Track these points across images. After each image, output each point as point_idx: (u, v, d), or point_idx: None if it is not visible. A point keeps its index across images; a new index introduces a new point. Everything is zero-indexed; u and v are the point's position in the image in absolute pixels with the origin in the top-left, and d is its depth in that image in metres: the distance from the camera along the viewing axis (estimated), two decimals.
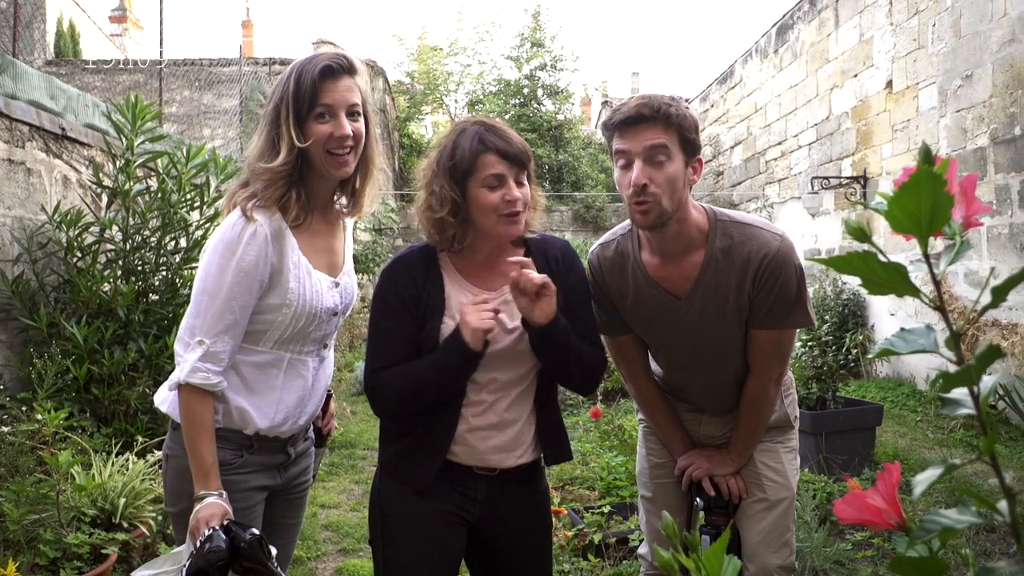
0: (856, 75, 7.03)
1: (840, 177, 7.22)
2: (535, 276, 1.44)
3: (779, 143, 8.69)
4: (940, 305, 0.51)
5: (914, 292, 0.51)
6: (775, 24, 8.76)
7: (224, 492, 1.41)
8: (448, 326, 1.51)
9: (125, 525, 2.44)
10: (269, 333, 1.49)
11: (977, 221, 0.60)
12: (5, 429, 2.44)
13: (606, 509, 3.09)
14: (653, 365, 1.87)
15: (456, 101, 15.99)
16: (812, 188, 7.49)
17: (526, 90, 14.70)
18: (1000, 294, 0.50)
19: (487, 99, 14.98)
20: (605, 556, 2.77)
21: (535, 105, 14.58)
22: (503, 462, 1.56)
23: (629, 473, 3.36)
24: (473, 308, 1.47)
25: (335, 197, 1.60)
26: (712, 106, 11.05)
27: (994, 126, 5.18)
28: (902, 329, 0.55)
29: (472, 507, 1.57)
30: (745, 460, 1.77)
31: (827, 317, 6.07)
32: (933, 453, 4.29)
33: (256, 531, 1.34)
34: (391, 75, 13.79)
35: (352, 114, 1.47)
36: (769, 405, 1.72)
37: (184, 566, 1.31)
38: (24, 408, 2.63)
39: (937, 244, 5.75)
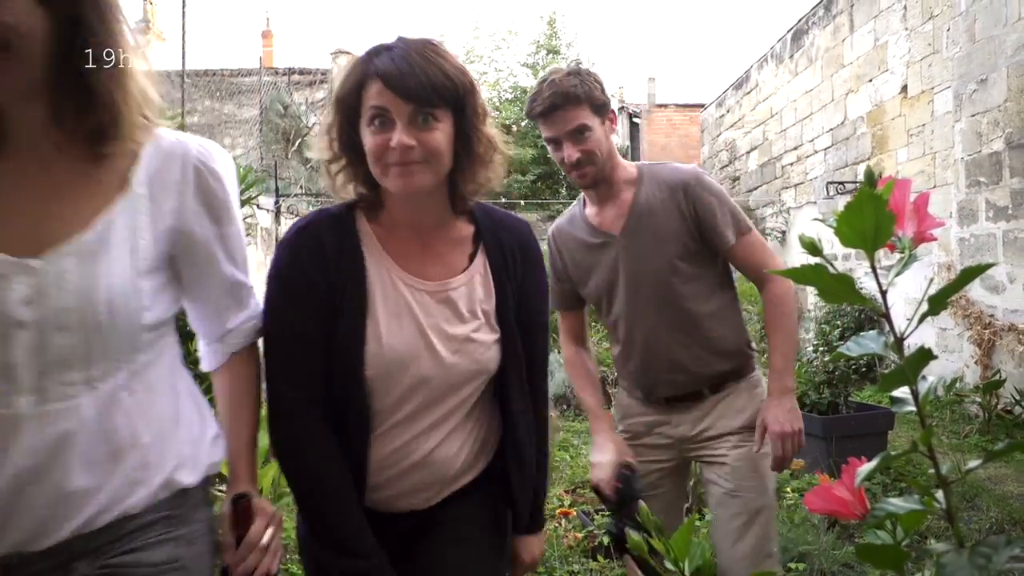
0: (871, 80, 7.03)
1: (856, 182, 7.21)
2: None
3: (795, 148, 8.69)
4: (885, 312, 0.57)
5: (861, 300, 0.57)
6: (790, 29, 8.77)
7: None
8: (375, 331, 1.15)
9: None
10: None
11: (930, 236, 0.65)
12: None
13: None
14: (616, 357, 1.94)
15: None
16: (828, 193, 7.49)
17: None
18: (937, 303, 0.55)
19: (503, 106, 15.09)
20: (614, 557, 2.82)
21: None
22: (430, 501, 1.24)
23: None
24: None
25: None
26: (728, 111, 11.06)
27: (1009, 130, 5.17)
28: (856, 334, 0.61)
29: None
30: (790, 388, 1.73)
31: (839, 322, 6.07)
32: (947, 458, 4.28)
33: None
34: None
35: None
36: (791, 301, 1.80)
37: None
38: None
39: (953, 250, 5.73)
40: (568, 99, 1.71)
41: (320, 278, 1.15)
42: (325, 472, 1.15)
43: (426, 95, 1.09)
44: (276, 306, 1.16)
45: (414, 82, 1.09)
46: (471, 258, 1.25)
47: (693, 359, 1.80)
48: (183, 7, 7.42)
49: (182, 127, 4.15)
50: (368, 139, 1.12)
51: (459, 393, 1.22)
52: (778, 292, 1.79)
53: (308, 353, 1.15)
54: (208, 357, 1.17)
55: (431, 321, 1.19)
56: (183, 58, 7.78)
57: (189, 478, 1.05)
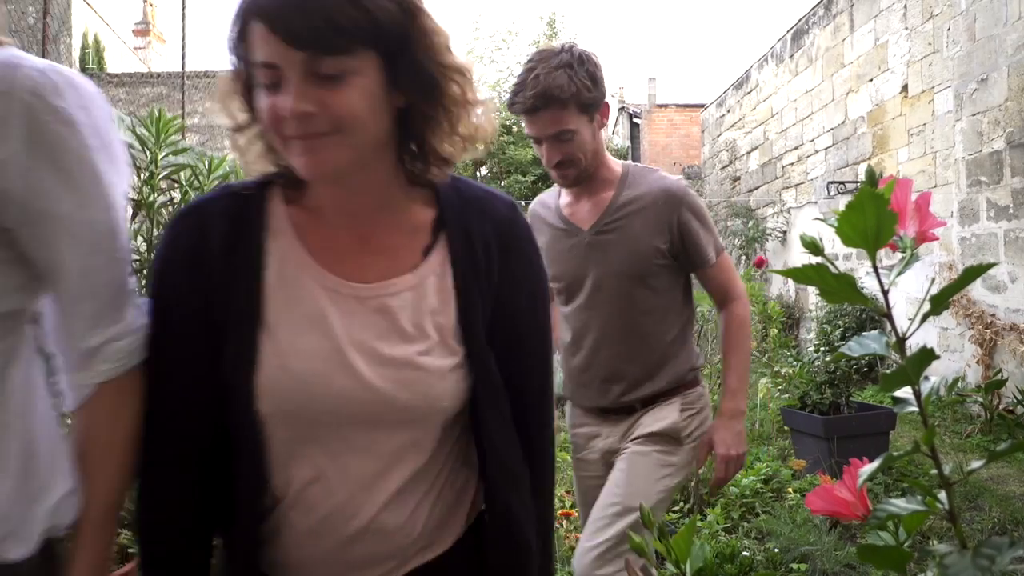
0: (872, 79, 7.03)
1: (857, 182, 7.21)
2: None
3: (795, 148, 8.69)
4: (887, 312, 0.57)
5: (863, 300, 0.57)
6: (790, 29, 8.76)
7: None
8: (274, 351, 0.84)
9: None
10: None
11: (932, 235, 0.65)
12: None
13: None
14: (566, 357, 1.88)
15: None
16: (828, 193, 7.48)
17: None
18: (939, 303, 0.55)
19: (503, 107, 15.09)
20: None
21: None
22: None
23: None
24: None
25: None
26: (728, 111, 11.05)
27: (1010, 129, 5.17)
28: (858, 334, 0.60)
29: None
30: (742, 410, 1.77)
31: (840, 322, 6.07)
32: (949, 458, 4.28)
33: None
34: None
35: None
36: (750, 324, 1.81)
37: None
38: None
39: (953, 250, 5.73)
40: (551, 102, 1.59)
41: (197, 283, 0.85)
42: (172, 551, 0.87)
43: (323, 36, 0.75)
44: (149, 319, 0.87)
45: (302, 20, 0.75)
46: (426, 253, 0.91)
47: (635, 374, 1.76)
48: (183, 9, 7.43)
49: (182, 128, 4.17)
50: (261, 103, 0.81)
51: (400, 437, 0.88)
52: (740, 314, 1.79)
53: (178, 385, 0.86)
54: (70, 391, 0.86)
55: (357, 337, 0.85)
56: (183, 60, 7.79)
57: (15, 551, 0.76)
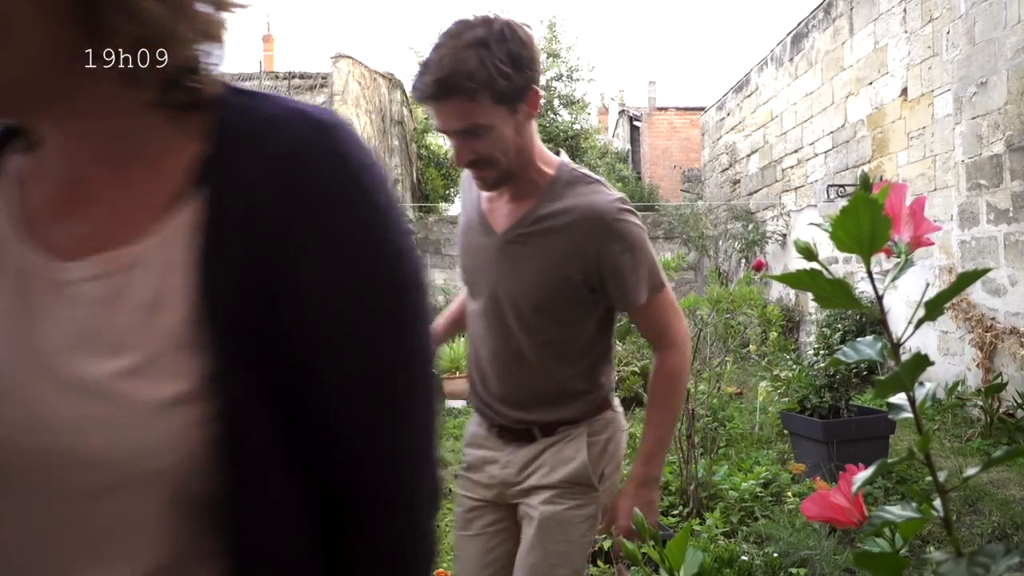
0: (871, 83, 7.03)
1: (856, 185, 7.20)
2: None
3: (795, 151, 8.69)
4: (882, 318, 0.56)
5: (857, 305, 0.56)
6: (790, 33, 8.77)
7: None
8: None
9: None
10: None
11: (927, 240, 0.65)
12: None
13: None
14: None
15: None
16: (828, 196, 7.48)
17: (542, 100, 14.82)
18: (933, 308, 0.54)
19: None
20: (614, 563, 2.81)
21: (551, 115, 14.70)
22: None
23: None
24: None
25: None
26: (728, 114, 11.06)
27: (1009, 133, 5.17)
28: (853, 340, 0.60)
29: None
30: (654, 477, 1.50)
31: (840, 325, 6.07)
32: (949, 462, 4.27)
33: None
34: (408, 87, 13.99)
35: None
36: (684, 377, 1.54)
37: None
38: None
39: (952, 254, 5.73)
40: (454, 90, 1.27)
41: None
42: None
43: None
44: None
45: None
46: (168, 210, 0.56)
47: (530, 400, 1.52)
48: None
49: None
50: None
51: (108, 508, 0.53)
52: (672, 365, 1.50)
53: None
54: None
55: (41, 344, 0.54)
56: None
57: None
